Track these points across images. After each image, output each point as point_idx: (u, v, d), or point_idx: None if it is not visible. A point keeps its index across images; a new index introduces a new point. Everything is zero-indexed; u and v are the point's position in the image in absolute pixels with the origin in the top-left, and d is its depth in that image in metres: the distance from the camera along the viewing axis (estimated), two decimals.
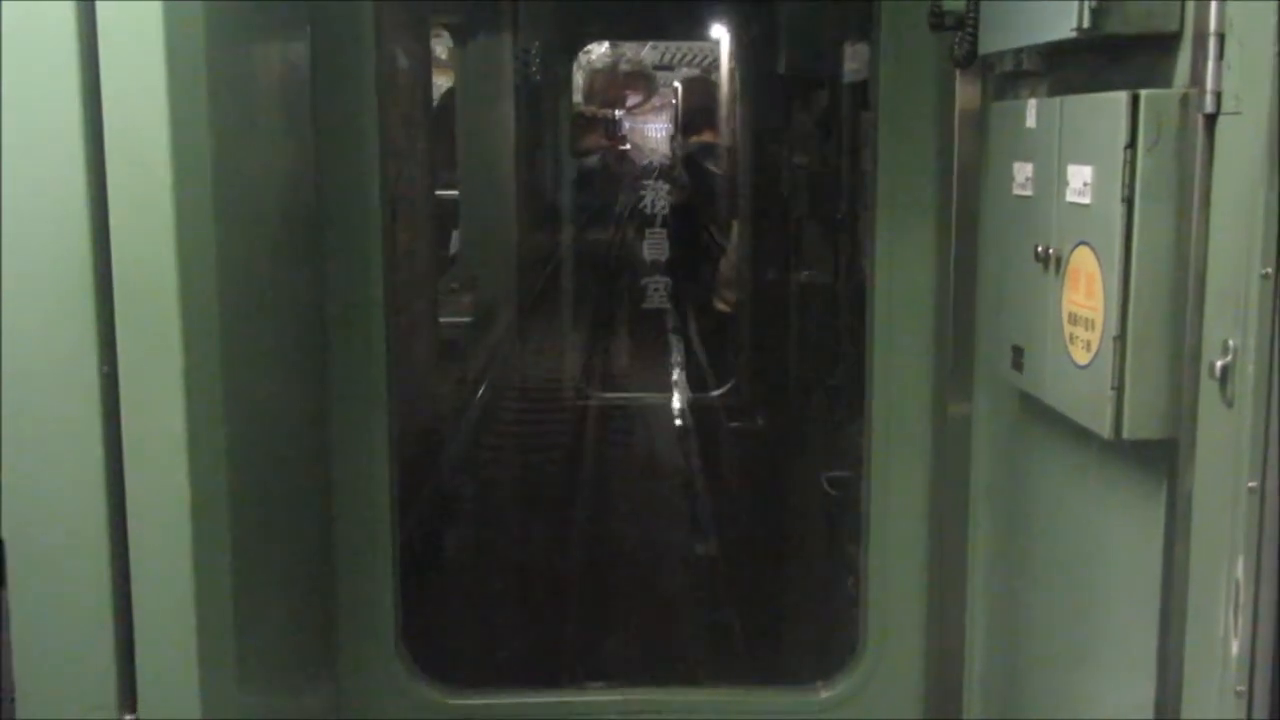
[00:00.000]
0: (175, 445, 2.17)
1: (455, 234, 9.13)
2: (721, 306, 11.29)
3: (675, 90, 13.36)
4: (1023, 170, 2.70)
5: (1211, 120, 2.09)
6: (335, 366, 3.36)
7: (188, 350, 2.16)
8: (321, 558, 3.32)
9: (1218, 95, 2.08)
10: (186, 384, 2.16)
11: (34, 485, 2.15)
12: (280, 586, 2.84)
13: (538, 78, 10.09)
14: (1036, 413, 2.80)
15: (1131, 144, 2.22)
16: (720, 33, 11.33)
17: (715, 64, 13.51)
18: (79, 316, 2.13)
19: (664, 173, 9.29)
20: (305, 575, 3.15)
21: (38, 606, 2.18)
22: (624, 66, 13.59)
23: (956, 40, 2.98)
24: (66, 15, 2.07)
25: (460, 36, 9.24)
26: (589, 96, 13.03)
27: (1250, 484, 2.00)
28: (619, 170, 11.79)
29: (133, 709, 2.21)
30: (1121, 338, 2.27)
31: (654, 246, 8.99)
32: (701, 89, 13.40)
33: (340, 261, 3.35)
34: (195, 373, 2.18)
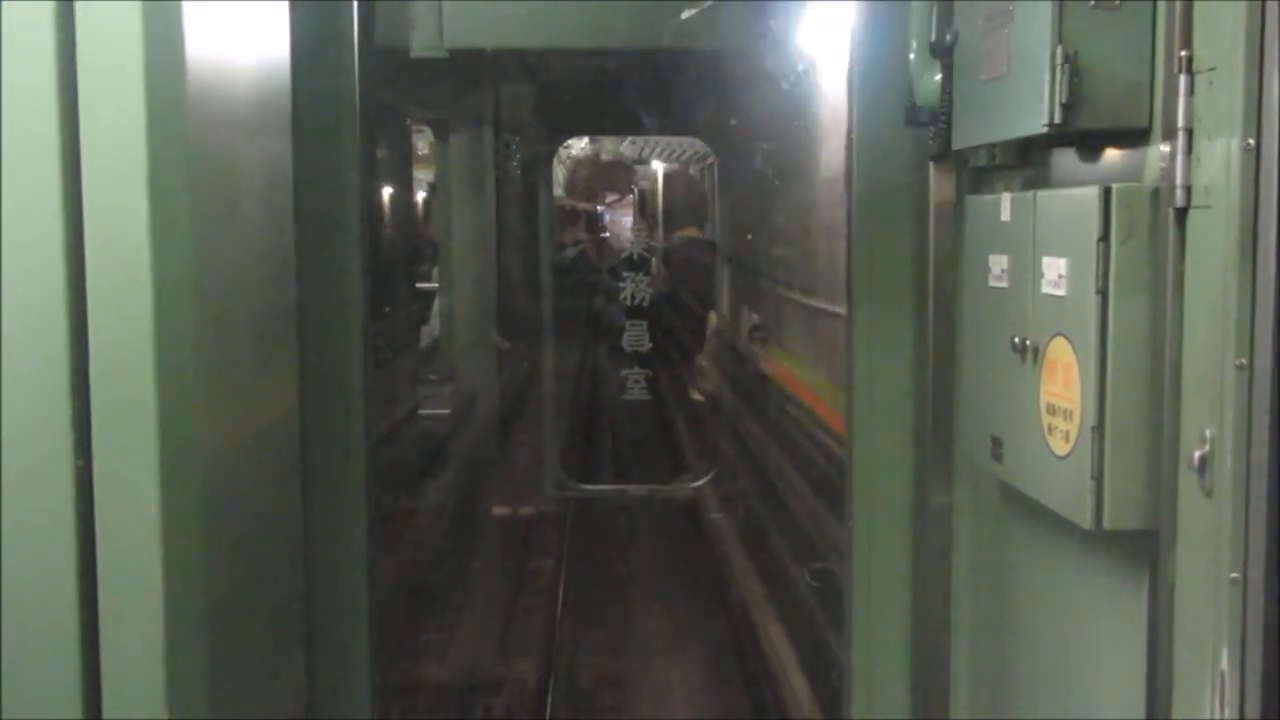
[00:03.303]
0: (150, 541, 2.14)
1: (425, 328, 9.14)
2: (697, 396, 11.30)
3: (653, 184, 13.52)
4: (998, 262, 2.73)
5: (1182, 214, 2.13)
6: (314, 462, 3.33)
7: (163, 445, 2.14)
8: (299, 656, 3.27)
9: (1188, 189, 2.11)
10: (162, 479, 2.14)
11: (5, 579, 2.12)
12: (257, 686, 2.79)
13: (518, 171, 10.19)
14: (1017, 503, 2.80)
15: (1105, 237, 2.25)
16: (698, 128, 11.46)
17: (694, 158, 13.70)
18: (54, 409, 2.11)
19: (643, 264, 9.36)
20: (282, 672, 3.10)
21: (8, 708, 2.14)
22: (604, 158, 13.77)
23: (930, 134, 3.03)
24: (48, 107, 2.08)
25: (441, 131, 9.34)
26: (569, 190, 13.19)
27: (1232, 575, 2.00)
28: (598, 262, 11.86)
29: None
30: (1100, 428, 2.28)
31: (634, 338, 9.03)
32: (680, 183, 13.55)
33: (320, 355, 3.34)
34: (171, 468, 2.16)
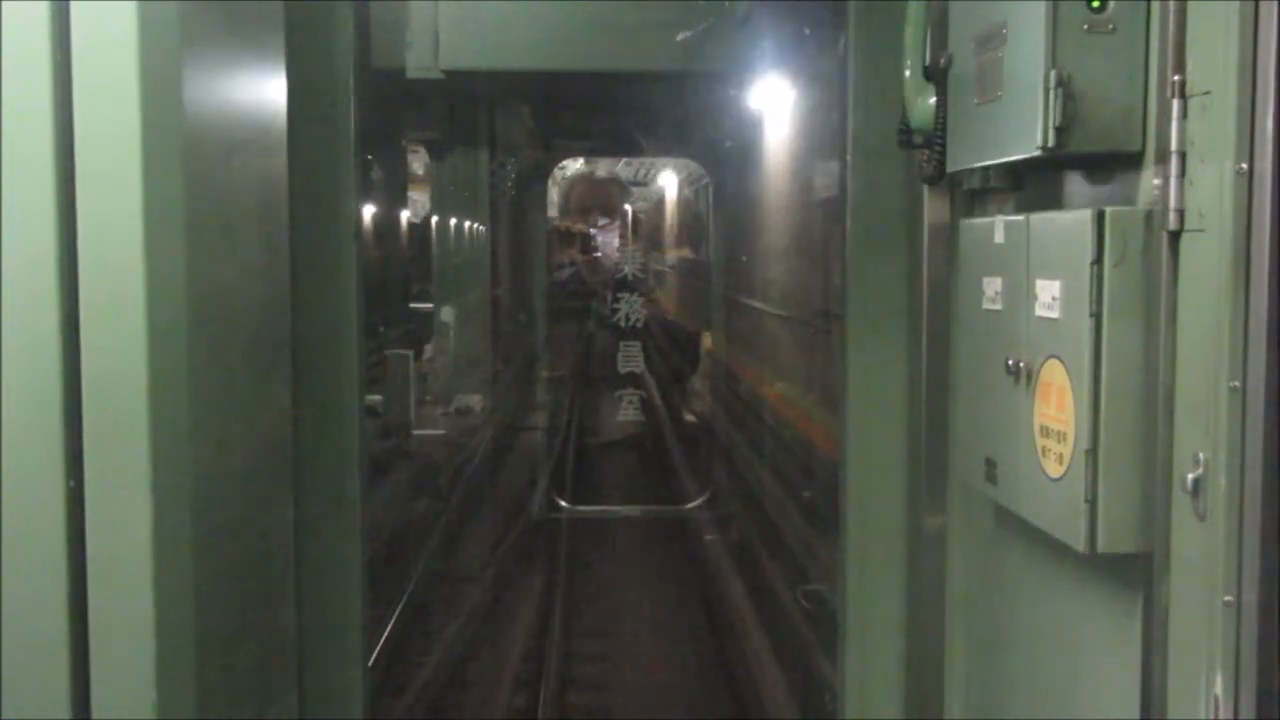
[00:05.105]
0: (141, 562, 2.14)
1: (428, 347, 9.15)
2: (691, 418, 11.30)
3: (647, 205, 13.57)
4: (992, 285, 2.73)
5: (1175, 237, 2.13)
6: (307, 482, 3.32)
7: (155, 466, 2.14)
8: (289, 676, 3.25)
9: (1180, 213, 2.12)
10: (154, 500, 2.14)
11: None
12: (247, 708, 2.78)
13: (513, 192, 10.22)
14: (1011, 525, 2.80)
15: (1098, 260, 2.25)
16: (692, 152, 11.50)
17: (689, 180, 13.71)
18: (46, 430, 2.10)
19: (635, 285, 9.37)
20: (273, 694, 3.08)
21: None
22: (596, 179, 13.83)
23: (924, 158, 3.03)
24: (43, 128, 2.08)
25: (437, 152, 9.36)
26: (563, 213, 13.25)
27: (1226, 598, 2.00)
28: (591, 282, 11.89)
29: None
30: (1093, 451, 2.27)
31: (628, 358, 9.03)
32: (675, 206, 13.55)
33: (313, 376, 3.33)
34: (163, 489, 2.15)
